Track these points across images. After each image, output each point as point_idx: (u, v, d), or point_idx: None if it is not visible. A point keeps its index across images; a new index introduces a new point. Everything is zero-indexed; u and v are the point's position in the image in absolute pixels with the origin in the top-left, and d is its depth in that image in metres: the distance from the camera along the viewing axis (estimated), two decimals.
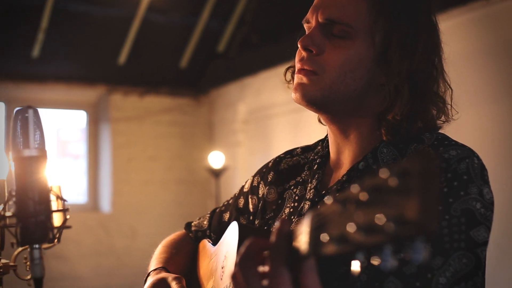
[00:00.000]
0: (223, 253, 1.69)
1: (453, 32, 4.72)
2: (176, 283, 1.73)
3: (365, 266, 1.42)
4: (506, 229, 4.28)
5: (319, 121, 1.82)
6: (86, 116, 8.16)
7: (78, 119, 8.25)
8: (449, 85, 1.66)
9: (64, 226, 1.38)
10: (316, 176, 1.74)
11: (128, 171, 7.85)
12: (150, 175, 7.96)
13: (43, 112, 7.39)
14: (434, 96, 1.62)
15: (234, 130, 7.73)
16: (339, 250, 0.94)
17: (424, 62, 1.59)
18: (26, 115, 1.36)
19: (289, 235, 1.11)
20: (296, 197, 1.77)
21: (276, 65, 6.79)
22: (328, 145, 1.77)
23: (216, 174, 7.20)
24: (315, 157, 1.81)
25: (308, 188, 1.74)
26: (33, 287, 1.39)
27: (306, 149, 1.90)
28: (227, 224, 1.99)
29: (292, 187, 1.82)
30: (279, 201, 1.82)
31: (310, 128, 6.38)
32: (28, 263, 1.66)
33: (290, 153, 1.93)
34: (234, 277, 1.20)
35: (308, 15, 1.67)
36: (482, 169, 1.48)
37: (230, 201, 2.05)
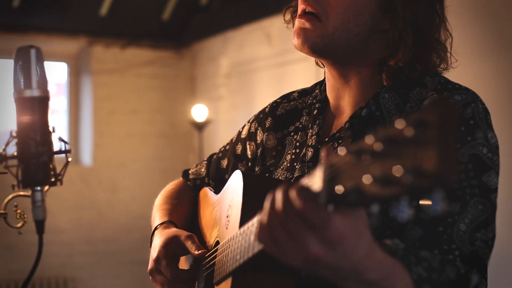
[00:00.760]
0: (227, 202, 1.66)
1: None
2: (191, 243, 1.70)
3: (378, 215, 1.41)
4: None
5: (317, 63, 1.81)
6: (67, 68, 8.07)
7: (58, 73, 8.15)
8: (450, 34, 1.65)
9: (66, 167, 1.36)
10: (316, 122, 1.72)
11: (109, 124, 7.80)
12: (131, 128, 7.91)
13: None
14: (437, 43, 1.61)
15: (216, 84, 7.68)
16: (353, 202, 0.93)
17: (428, 9, 1.58)
18: (28, 54, 1.34)
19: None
20: (298, 144, 1.75)
21: (259, 19, 6.74)
22: (326, 89, 1.76)
23: (199, 127, 7.18)
24: (314, 101, 1.78)
25: (310, 134, 1.72)
26: (36, 228, 1.39)
27: (303, 93, 1.87)
28: (225, 171, 1.98)
29: (292, 133, 1.80)
30: (279, 147, 1.81)
31: (294, 83, 6.36)
32: (18, 211, 1.65)
33: (286, 97, 1.90)
34: (269, 233, 1.09)
35: None
36: (486, 113, 1.49)
37: (227, 147, 2.02)
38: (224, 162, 2.00)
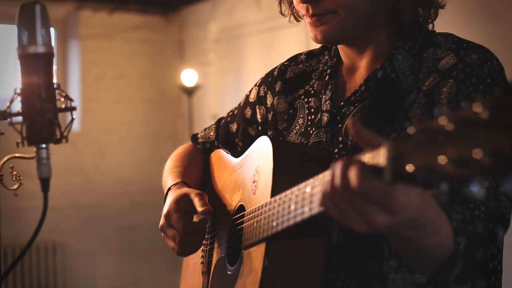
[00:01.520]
0: (253, 167, 1.66)
1: None
2: (198, 199, 1.71)
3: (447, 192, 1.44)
4: None
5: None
6: (54, 32, 7.99)
7: None
8: None
9: (72, 124, 1.36)
10: (329, 86, 1.73)
11: (97, 89, 7.74)
12: (119, 93, 7.86)
13: (7, 28, 7.24)
14: None
15: (205, 49, 7.64)
16: (422, 181, 0.96)
17: None
18: (33, 10, 1.32)
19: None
20: (312, 110, 1.75)
21: None
22: (337, 54, 1.77)
23: (189, 92, 7.15)
24: (325, 67, 1.79)
25: (323, 99, 1.72)
26: (40, 186, 1.38)
27: (310, 55, 1.88)
28: (235, 135, 1.98)
29: (302, 96, 1.80)
30: (291, 111, 1.81)
31: (283, 48, 6.34)
32: (14, 172, 1.64)
33: (294, 60, 1.90)
34: (332, 203, 1.15)
35: None
36: (501, 69, 1.52)
37: (236, 111, 2.02)
38: (233, 126, 2.00)
